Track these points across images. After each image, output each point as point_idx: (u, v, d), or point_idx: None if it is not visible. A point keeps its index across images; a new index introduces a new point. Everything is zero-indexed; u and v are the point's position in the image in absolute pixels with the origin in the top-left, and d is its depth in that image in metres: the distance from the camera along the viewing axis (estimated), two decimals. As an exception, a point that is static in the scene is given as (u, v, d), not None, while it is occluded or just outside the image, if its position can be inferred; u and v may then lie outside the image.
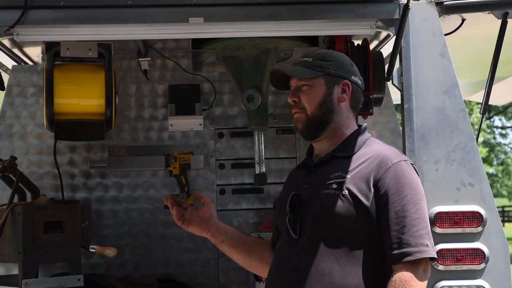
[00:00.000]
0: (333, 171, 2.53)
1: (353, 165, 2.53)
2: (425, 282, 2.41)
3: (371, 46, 4.33)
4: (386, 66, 3.60)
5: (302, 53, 2.78)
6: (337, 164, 2.55)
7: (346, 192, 2.46)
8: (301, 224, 2.51)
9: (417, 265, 2.40)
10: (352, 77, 2.64)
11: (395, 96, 4.20)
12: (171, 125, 4.69)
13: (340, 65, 2.64)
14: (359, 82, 2.67)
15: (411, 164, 2.56)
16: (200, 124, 4.70)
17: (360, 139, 2.61)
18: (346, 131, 2.63)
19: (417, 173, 2.57)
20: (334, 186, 2.48)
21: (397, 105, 4.75)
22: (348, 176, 2.49)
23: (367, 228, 2.45)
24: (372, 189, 2.46)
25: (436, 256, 2.46)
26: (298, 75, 2.63)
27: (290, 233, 2.52)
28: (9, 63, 4.68)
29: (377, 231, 2.46)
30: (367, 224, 2.45)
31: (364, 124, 2.68)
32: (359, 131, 2.64)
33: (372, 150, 2.56)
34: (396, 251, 2.40)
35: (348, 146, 2.59)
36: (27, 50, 4.61)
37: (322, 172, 2.57)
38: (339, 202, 2.45)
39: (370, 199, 2.45)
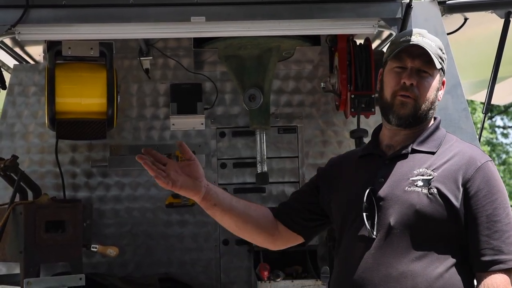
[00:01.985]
0: (415, 167, 2.37)
1: (438, 161, 2.37)
2: None
3: (373, 46, 4.32)
4: (388, 66, 3.59)
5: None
6: (419, 159, 2.39)
7: (435, 190, 2.30)
8: (379, 223, 2.33)
9: (509, 273, 2.28)
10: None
11: (397, 95, 4.20)
12: (173, 124, 4.69)
13: (447, 61, 2.50)
14: None
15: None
16: (202, 123, 4.70)
17: (440, 133, 2.46)
18: (426, 126, 2.46)
19: None
20: (420, 183, 2.32)
21: (399, 104, 4.74)
22: (435, 173, 2.33)
23: (454, 230, 2.31)
24: (461, 189, 2.32)
25: None
26: (435, 64, 2.40)
27: (367, 231, 2.33)
28: (11, 62, 4.68)
29: (463, 233, 2.32)
30: (455, 225, 2.31)
31: (439, 118, 2.52)
32: (437, 124, 2.48)
33: (456, 147, 2.41)
34: (487, 258, 2.27)
35: (429, 141, 2.43)
36: (29, 49, 4.60)
37: (402, 166, 2.39)
38: (427, 201, 2.30)
39: (459, 199, 2.31)
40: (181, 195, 4.60)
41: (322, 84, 4.33)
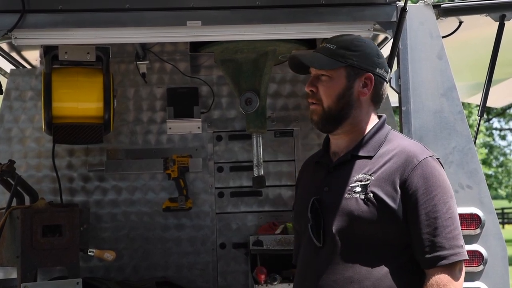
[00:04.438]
0: (355, 173, 2.40)
1: (376, 165, 2.38)
2: (462, 282, 2.33)
3: (369, 49, 4.33)
4: (384, 69, 3.60)
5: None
6: (359, 164, 2.41)
7: (371, 195, 2.33)
8: (325, 231, 2.38)
9: (453, 268, 2.30)
10: (377, 70, 2.46)
11: (393, 98, 4.21)
12: (170, 128, 4.69)
13: (365, 56, 2.45)
14: (384, 74, 2.48)
15: (437, 159, 2.42)
16: (199, 127, 4.71)
17: (381, 134, 2.46)
18: (365, 127, 2.47)
19: (443, 168, 2.43)
20: (358, 189, 2.35)
21: (395, 107, 4.75)
22: (372, 178, 2.36)
23: (395, 231, 2.34)
24: (399, 190, 2.33)
25: (468, 257, 2.36)
26: (316, 65, 2.45)
27: (314, 241, 2.39)
28: (8, 67, 4.68)
29: (406, 233, 2.34)
30: (395, 227, 2.33)
31: (383, 116, 2.52)
32: (379, 125, 2.48)
33: (395, 146, 2.41)
34: (429, 255, 2.30)
35: (369, 144, 2.44)
36: (25, 54, 4.61)
37: (343, 173, 2.42)
38: (364, 207, 2.33)
39: (397, 201, 2.33)
40: (178, 199, 4.65)
41: (318, 87, 4.33)
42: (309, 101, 2.48)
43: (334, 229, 2.37)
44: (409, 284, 2.35)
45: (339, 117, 2.44)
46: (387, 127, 2.51)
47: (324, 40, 2.53)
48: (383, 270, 2.32)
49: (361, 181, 2.37)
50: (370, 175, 2.37)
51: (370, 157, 2.42)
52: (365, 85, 2.46)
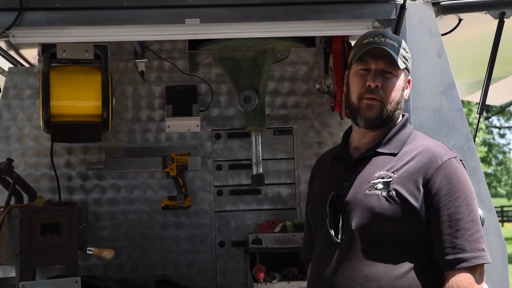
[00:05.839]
0: (377, 169, 2.38)
1: (399, 163, 2.37)
2: (482, 286, 2.30)
3: (368, 47, 4.32)
4: (383, 67, 3.59)
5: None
6: (382, 161, 2.40)
7: (394, 193, 2.32)
8: (343, 226, 2.36)
9: (474, 271, 2.28)
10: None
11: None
12: (168, 127, 4.69)
13: (410, 60, 2.51)
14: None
15: (460, 160, 2.42)
16: (197, 125, 4.70)
17: (404, 132, 2.47)
18: (392, 126, 2.48)
19: (466, 170, 2.42)
20: (380, 186, 2.34)
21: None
22: (395, 175, 2.34)
23: (415, 230, 2.32)
24: (422, 190, 2.32)
25: (490, 261, 2.33)
26: (399, 64, 2.42)
27: (332, 236, 2.37)
28: (5, 65, 4.67)
29: (426, 234, 2.32)
30: (416, 226, 2.32)
31: (406, 115, 2.53)
32: (402, 123, 2.49)
33: (419, 145, 2.41)
34: (450, 257, 2.28)
35: (392, 142, 2.44)
36: (23, 52, 4.60)
37: (364, 169, 2.41)
38: (386, 204, 2.32)
39: (420, 200, 2.32)
40: (177, 197, 4.64)
41: (317, 85, 4.32)
42: (368, 96, 2.43)
43: (353, 225, 2.35)
44: (428, 284, 2.32)
45: (391, 117, 2.46)
46: (409, 126, 2.52)
47: (378, 32, 2.48)
48: (402, 268, 2.30)
49: (383, 178, 2.36)
50: (393, 172, 2.36)
51: (393, 155, 2.41)
52: (406, 88, 2.50)
